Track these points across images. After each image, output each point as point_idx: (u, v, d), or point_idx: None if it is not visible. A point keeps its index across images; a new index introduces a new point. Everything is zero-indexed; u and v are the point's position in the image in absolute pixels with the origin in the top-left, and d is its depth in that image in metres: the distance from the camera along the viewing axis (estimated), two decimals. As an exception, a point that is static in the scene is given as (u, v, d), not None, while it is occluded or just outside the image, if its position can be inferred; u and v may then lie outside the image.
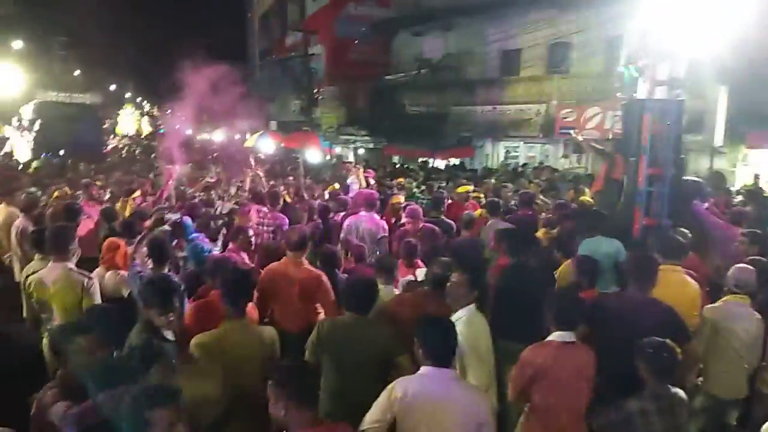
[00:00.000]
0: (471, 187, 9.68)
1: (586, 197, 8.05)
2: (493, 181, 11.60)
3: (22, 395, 3.20)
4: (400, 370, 3.52)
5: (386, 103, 22.53)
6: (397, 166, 19.38)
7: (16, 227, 6.34)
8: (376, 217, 6.65)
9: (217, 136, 44.87)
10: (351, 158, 24.23)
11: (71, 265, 4.31)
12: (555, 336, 3.53)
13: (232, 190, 9.56)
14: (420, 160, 19.71)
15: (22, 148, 17.91)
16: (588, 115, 14.85)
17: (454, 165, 18.76)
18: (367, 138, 23.10)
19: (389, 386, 3.10)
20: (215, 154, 22.56)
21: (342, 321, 3.80)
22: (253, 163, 10.46)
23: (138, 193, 8.35)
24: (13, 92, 28.07)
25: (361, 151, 24.44)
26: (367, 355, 3.62)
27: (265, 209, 6.79)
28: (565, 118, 15.60)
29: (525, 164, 16.60)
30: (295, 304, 4.31)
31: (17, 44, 36.95)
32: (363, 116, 23.70)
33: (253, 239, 6.52)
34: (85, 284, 4.22)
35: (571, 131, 11.86)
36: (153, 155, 19.38)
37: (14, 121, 18.68)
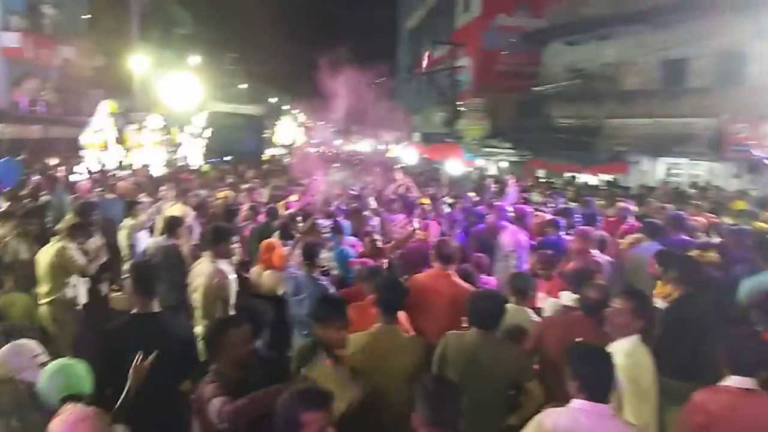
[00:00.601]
0: (626, 205, 8.98)
1: (762, 223, 7.11)
2: (652, 200, 10.68)
3: (177, 380, 3.44)
4: (530, 397, 3.30)
5: (533, 115, 21.86)
6: (541, 180, 18.66)
7: (186, 225, 6.97)
8: (518, 231, 6.40)
9: (363, 147, 46.65)
10: (493, 171, 23.82)
11: (221, 261, 4.61)
12: (734, 381, 3.08)
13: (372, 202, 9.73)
14: (567, 174, 18.81)
15: (193, 153, 19.82)
16: (766, 131, 13.24)
17: (607, 182, 17.65)
18: (510, 151, 22.57)
19: (537, 417, 2.89)
20: (359, 164, 23.30)
21: (470, 337, 3.62)
22: (400, 174, 10.58)
23: (294, 197, 8.78)
24: (189, 103, 31.33)
25: (503, 164, 23.93)
26: (493, 375, 3.42)
27: (413, 219, 6.81)
28: (738, 134, 14.04)
29: (694, 183, 15.07)
30: (441, 318, 4.22)
31: (194, 60, 41.34)
32: (507, 128, 23.20)
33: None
34: (219, 280, 4.48)
35: (746, 148, 10.60)
36: (305, 164, 20.48)
37: (188, 128, 20.72)
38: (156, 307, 3.56)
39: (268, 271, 5.31)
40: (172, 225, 6.04)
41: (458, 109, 25.43)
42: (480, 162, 25.48)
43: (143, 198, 8.33)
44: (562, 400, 3.01)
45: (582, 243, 5.43)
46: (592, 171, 17.95)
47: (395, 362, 3.48)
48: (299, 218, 6.29)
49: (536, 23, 25.27)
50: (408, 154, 24.08)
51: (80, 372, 2.47)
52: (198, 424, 2.90)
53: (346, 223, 6.32)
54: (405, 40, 44.12)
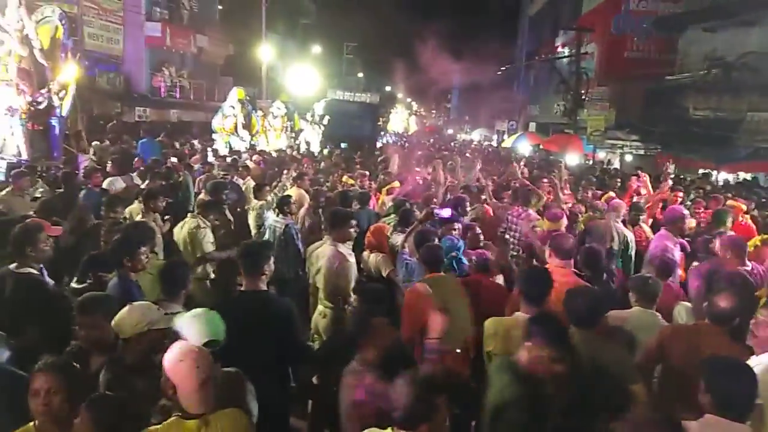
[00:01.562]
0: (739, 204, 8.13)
1: None
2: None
3: (278, 359, 3.55)
4: (635, 400, 3.08)
5: (665, 106, 20.32)
6: (672, 176, 17.32)
7: (303, 209, 7.24)
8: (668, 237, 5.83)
9: (475, 136, 46.04)
10: (617, 164, 22.51)
11: (341, 245, 4.71)
12: None
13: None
14: (700, 171, 17.35)
15: (312, 139, 20.57)
16: None
17: (745, 180, 16.06)
18: (637, 143, 21.20)
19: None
20: (472, 153, 22.93)
21: (517, 321, 3.48)
22: (516, 164, 10.27)
23: (396, 184, 8.78)
24: (310, 91, 32.56)
25: (629, 158, 22.54)
26: (594, 376, 3.19)
27: (529, 211, 6.57)
28: None
29: None
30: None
31: (316, 49, 42.88)
32: (635, 119, 21.78)
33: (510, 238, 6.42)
34: (340, 264, 4.60)
35: None
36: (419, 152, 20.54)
37: (308, 116, 21.52)
38: (263, 285, 3.72)
39: (375, 254, 5.41)
40: (283, 204, 6.36)
41: (581, 98, 24.25)
42: (602, 155, 24.18)
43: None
44: (685, 412, 2.78)
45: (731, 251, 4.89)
46: (729, 169, 16.41)
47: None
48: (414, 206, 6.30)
49: (671, 7, 23.50)
50: (522, 144, 23.40)
51: (217, 320, 2.66)
52: (349, 414, 2.96)
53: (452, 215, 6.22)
54: (525, 27, 42.72)
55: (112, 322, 2.92)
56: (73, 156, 10.03)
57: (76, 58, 10.52)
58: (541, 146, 25.06)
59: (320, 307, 4.70)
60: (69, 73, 10.01)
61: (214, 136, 16.37)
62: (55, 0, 16.79)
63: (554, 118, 28.34)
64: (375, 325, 3.04)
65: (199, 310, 2.68)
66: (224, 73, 30.94)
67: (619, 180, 11.54)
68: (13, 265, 3.72)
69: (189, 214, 5.92)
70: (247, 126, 16.72)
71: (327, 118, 22.05)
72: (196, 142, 16.06)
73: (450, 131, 62.36)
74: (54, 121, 10.01)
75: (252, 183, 8.88)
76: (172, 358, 2.34)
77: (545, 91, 32.54)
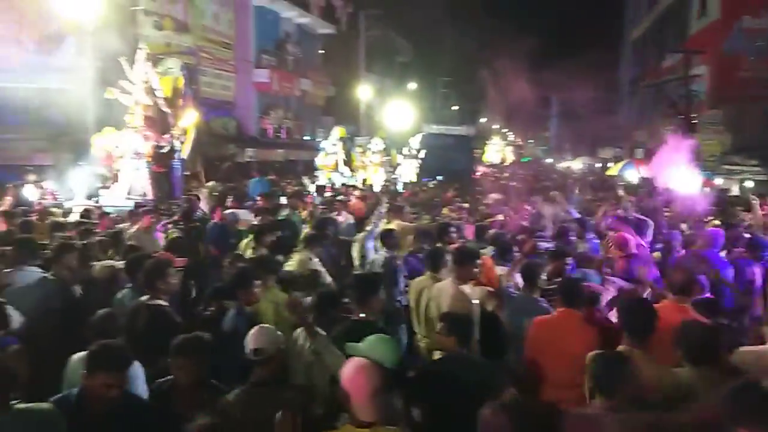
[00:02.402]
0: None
1: None
2: None
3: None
4: None
5: (788, 128, 18.75)
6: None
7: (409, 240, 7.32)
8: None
9: (577, 164, 44.57)
10: (736, 191, 20.90)
11: (465, 285, 4.65)
12: None
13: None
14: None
15: (408, 173, 20.93)
16: None
17: None
18: (757, 169, 19.61)
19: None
20: (573, 182, 22.20)
21: (684, 374, 3.24)
22: (621, 192, 9.87)
23: (500, 216, 8.69)
24: (406, 126, 33.20)
25: (749, 184, 20.86)
26: None
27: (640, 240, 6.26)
28: None
29: None
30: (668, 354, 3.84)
31: (411, 86, 43.79)
32: (753, 143, 20.21)
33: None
34: (463, 305, 4.49)
35: None
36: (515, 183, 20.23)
37: (405, 150, 21.96)
38: (377, 315, 3.82)
39: (480, 288, 5.34)
40: (385, 237, 6.52)
41: (692, 122, 22.90)
42: (719, 181, 22.56)
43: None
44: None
45: None
46: None
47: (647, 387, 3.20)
48: (517, 238, 6.22)
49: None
50: (630, 171, 22.37)
51: (396, 347, 2.97)
52: None
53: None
54: (628, 51, 41.25)
55: (253, 343, 3.17)
56: (193, 195, 10.85)
57: (195, 105, 11.51)
58: (649, 173, 23.82)
59: (421, 343, 4.71)
60: (189, 119, 10.94)
61: (317, 173, 17.10)
62: (175, 52, 18.52)
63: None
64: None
65: (384, 336, 2.98)
66: (325, 113, 32.30)
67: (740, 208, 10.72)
68: (145, 298, 4.10)
69: (295, 250, 6.21)
70: (348, 162, 17.35)
71: (423, 151, 22.37)
72: (306, 178, 16.85)
73: (549, 160, 60.83)
74: (176, 164, 10.95)
75: (350, 218, 9.19)
76: (349, 370, 2.61)
77: (652, 117, 31.05)
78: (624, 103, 40.35)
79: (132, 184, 10.73)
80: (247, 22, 25.49)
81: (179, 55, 18.92)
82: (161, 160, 10.77)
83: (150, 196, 10.48)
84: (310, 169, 18.31)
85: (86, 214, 8.52)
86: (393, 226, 7.64)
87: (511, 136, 73.86)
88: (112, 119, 12.65)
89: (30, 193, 10.27)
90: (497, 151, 56.21)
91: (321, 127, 29.94)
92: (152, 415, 3.01)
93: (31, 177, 11.52)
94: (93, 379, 2.79)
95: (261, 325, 3.39)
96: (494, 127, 69.27)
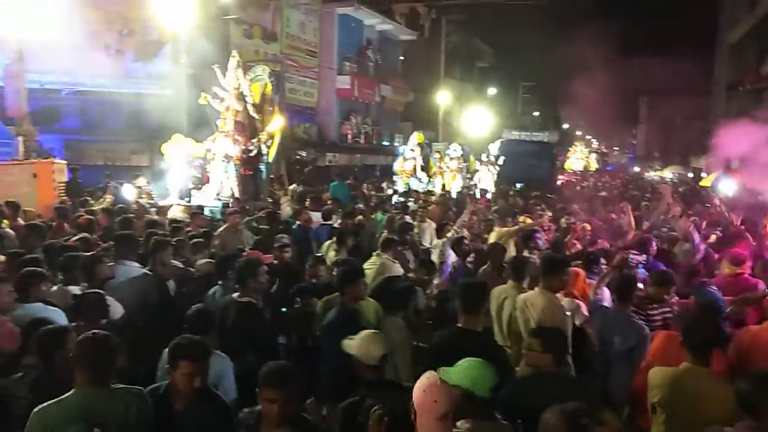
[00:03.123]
0: None
1: None
2: None
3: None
4: None
5: None
6: None
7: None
8: None
9: (667, 174, 42.37)
10: None
11: (555, 295, 4.49)
12: None
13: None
14: None
15: (487, 180, 20.62)
16: None
17: None
18: None
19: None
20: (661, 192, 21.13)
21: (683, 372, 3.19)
22: (718, 204, 9.30)
23: (587, 226, 8.40)
24: (485, 131, 32.81)
25: None
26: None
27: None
28: None
29: None
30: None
31: (491, 91, 43.25)
32: None
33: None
34: (553, 317, 4.29)
35: None
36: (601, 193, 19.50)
37: (483, 156, 21.67)
38: (480, 326, 3.78)
39: (569, 300, 5.16)
40: (456, 244, 6.60)
41: (795, 130, 21.23)
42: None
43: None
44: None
45: None
46: None
47: (702, 409, 3.13)
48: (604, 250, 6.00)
49: None
50: (725, 183, 21.01)
51: (487, 376, 2.79)
52: None
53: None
54: (724, 55, 38.84)
55: (379, 350, 3.19)
56: (278, 198, 11.20)
57: (281, 111, 11.90)
58: (748, 186, 22.29)
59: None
60: (275, 124, 11.34)
61: (395, 178, 17.20)
62: (262, 60, 19.23)
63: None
64: None
65: (479, 362, 2.83)
66: (404, 119, 32.49)
67: None
68: (235, 295, 4.27)
69: (374, 253, 6.25)
70: (425, 168, 17.34)
71: (502, 158, 22.00)
72: (384, 185, 17.03)
73: (636, 169, 58.26)
74: (262, 167, 11.38)
75: (429, 223, 9.18)
76: (419, 386, 2.49)
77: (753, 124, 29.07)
78: (720, 109, 38.00)
79: (221, 186, 11.22)
80: (331, 30, 26.13)
81: (266, 62, 19.67)
82: (248, 164, 11.22)
83: (237, 196, 10.91)
84: (388, 174, 18.45)
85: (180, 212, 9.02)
86: (494, 232, 7.61)
87: (595, 143, 71.42)
88: (203, 123, 13.34)
89: (128, 192, 10.95)
90: (580, 158, 54.35)
91: (399, 133, 30.15)
92: (230, 413, 3.09)
93: (130, 177, 12.30)
94: (176, 369, 2.92)
95: (371, 332, 3.40)
96: (577, 133, 67.22)
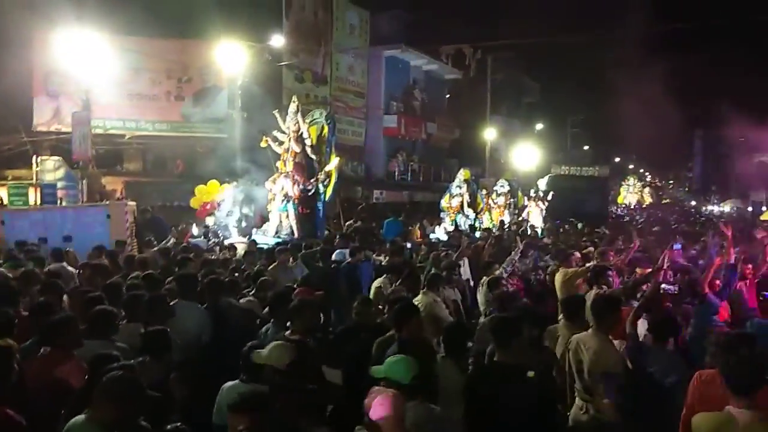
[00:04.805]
0: None
1: None
2: None
3: None
4: None
5: None
6: None
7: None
8: None
9: (725, 208, 40.86)
10: None
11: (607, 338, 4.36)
12: None
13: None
14: None
15: (535, 216, 20.42)
16: None
17: None
18: None
19: None
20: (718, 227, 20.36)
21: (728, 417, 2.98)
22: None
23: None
24: (533, 167, 32.60)
25: None
26: None
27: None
28: None
29: None
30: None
31: (539, 126, 43.06)
32: None
33: None
34: (605, 360, 4.17)
35: None
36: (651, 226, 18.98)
37: (531, 192, 21.51)
38: (516, 358, 3.78)
39: (617, 341, 5.02)
40: (492, 284, 6.48)
41: None
42: None
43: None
44: None
45: None
46: None
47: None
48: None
49: None
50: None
51: (408, 367, 3.20)
52: None
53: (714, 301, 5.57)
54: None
55: (270, 360, 3.42)
56: (332, 235, 11.42)
57: (337, 152, 12.30)
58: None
59: (579, 402, 4.31)
60: (332, 164, 11.73)
61: (441, 214, 17.26)
62: (312, 103, 19.88)
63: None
64: None
65: (402, 356, 3.34)
66: (450, 155, 32.69)
67: None
68: (287, 333, 4.40)
69: (421, 292, 6.29)
70: (472, 204, 17.33)
71: (551, 193, 21.78)
72: (425, 221, 17.10)
73: (693, 203, 56.41)
74: (319, 206, 11.74)
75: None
76: (378, 402, 2.81)
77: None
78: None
79: (280, 224, 11.66)
80: (379, 72, 26.86)
81: (317, 104, 20.34)
82: (307, 203, 11.63)
83: (296, 234, 11.27)
84: (434, 211, 18.52)
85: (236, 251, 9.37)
86: (559, 273, 7.46)
87: (649, 176, 69.75)
88: (257, 165, 13.87)
89: (196, 232, 11.55)
90: (634, 192, 53.09)
91: (446, 169, 30.32)
92: None
93: (190, 217, 12.88)
94: (234, 419, 2.82)
95: (279, 342, 3.70)
96: (630, 166, 65.92)
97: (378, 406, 2.81)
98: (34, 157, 16.09)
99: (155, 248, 9.27)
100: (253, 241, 10.77)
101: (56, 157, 16.44)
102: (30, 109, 18.15)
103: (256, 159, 14.15)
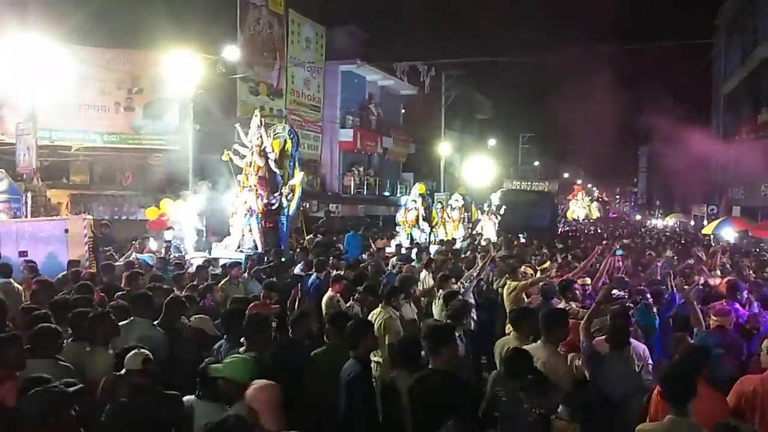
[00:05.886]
0: None
1: None
2: None
3: None
4: None
5: None
6: None
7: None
8: None
9: (669, 222, 42.56)
10: None
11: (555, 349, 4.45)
12: None
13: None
14: None
15: (488, 229, 20.76)
16: None
17: None
18: None
19: None
20: (663, 240, 21.25)
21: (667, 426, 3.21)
22: (719, 252, 9.40)
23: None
24: (486, 181, 33.19)
25: None
26: None
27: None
28: None
29: None
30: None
31: (492, 142, 43.98)
32: None
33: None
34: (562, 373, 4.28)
35: None
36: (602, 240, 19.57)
37: (485, 206, 21.88)
38: (448, 365, 3.93)
39: (573, 355, 5.14)
40: (448, 299, 6.54)
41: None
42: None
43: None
44: None
45: None
46: None
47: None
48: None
49: None
50: (727, 230, 21.11)
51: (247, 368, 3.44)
52: None
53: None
54: (720, 105, 39.64)
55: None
56: (291, 250, 11.33)
57: (300, 166, 12.24)
58: (750, 233, 22.39)
59: None
60: (297, 179, 11.68)
61: (397, 228, 17.36)
62: (267, 116, 19.73)
63: (763, 201, 25.33)
64: None
65: (242, 357, 3.64)
66: (405, 170, 32.97)
67: None
68: (241, 349, 4.32)
69: (380, 305, 6.29)
70: (428, 218, 17.49)
71: (503, 208, 22.20)
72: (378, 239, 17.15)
73: (638, 217, 58.49)
74: (283, 219, 11.68)
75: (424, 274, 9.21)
76: (255, 391, 3.12)
77: (751, 174, 29.43)
78: (718, 158, 38.51)
79: (243, 238, 11.53)
80: (334, 86, 26.94)
81: (271, 117, 20.17)
82: (270, 216, 11.55)
83: (260, 248, 11.15)
84: (390, 225, 18.63)
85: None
86: (507, 286, 7.60)
87: (596, 192, 72.01)
88: (209, 178, 13.65)
89: (154, 246, 11.27)
90: (582, 206, 54.66)
91: (402, 183, 30.54)
92: None
93: (138, 231, 12.55)
94: None
95: (136, 349, 3.81)
96: (578, 182, 67.96)
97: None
98: (-25, 169, 15.38)
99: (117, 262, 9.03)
100: (206, 257, 10.58)
101: (-1, 169, 15.79)
102: (-30, 119, 17.38)
103: (208, 172, 13.94)
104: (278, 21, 23.70)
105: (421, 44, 31.00)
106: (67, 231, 10.24)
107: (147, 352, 3.76)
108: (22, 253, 9.47)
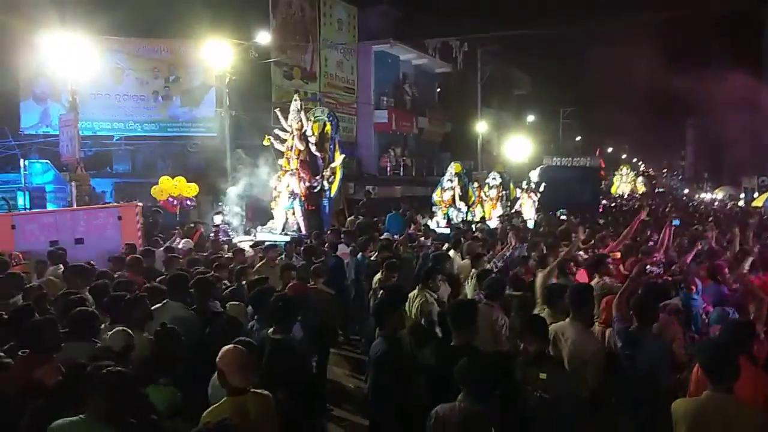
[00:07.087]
0: None
1: None
2: None
3: None
4: None
5: None
6: None
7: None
8: None
9: (718, 195, 41.00)
10: None
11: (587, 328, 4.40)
12: None
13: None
14: None
15: (527, 207, 20.38)
16: None
17: None
18: None
19: None
20: (711, 215, 20.39)
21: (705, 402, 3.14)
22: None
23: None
24: (524, 158, 32.60)
25: None
26: None
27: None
28: None
29: None
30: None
31: (530, 118, 43.04)
32: None
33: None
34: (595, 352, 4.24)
35: None
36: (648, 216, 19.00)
37: (524, 183, 21.46)
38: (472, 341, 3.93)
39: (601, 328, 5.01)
40: (482, 277, 6.43)
41: None
42: None
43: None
44: None
45: None
46: None
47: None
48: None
49: None
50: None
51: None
52: None
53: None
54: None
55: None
56: (337, 230, 11.37)
57: (340, 149, 12.28)
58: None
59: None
60: (338, 161, 11.76)
61: (434, 208, 17.22)
62: (302, 99, 19.79)
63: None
64: None
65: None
66: (442, 150, 32.65)
67: None
68: (270, 330, 4.36)
69: (417, 288, 6.22)
70: (464, 198, 17.29)
71: (543, 185, 21.76)
72: (419, 216, 17.05)
73: (686, 191, 56.56)
74: (325, 202, 11.86)
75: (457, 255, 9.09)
76: (224, 354, 3.34)
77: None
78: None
79: (286, 221, 11.73)
80: (368, 67, 26.76)
81: (306, 101, 20.21)
82: (312, 199, 11.71)
83: (303, 231, 11.34)
84: (427, 205, 18.48)
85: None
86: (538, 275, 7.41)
87: (642, 166, 69.85)
88: (246, 162, 13.82)
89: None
90: (627, 182, 53.12)
91: (438, 163, 30.27)
92: None
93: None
94: None
95: (118, 329, 4.04)
96: (623, 156, 65.94)
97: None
98: (22, 160, 15.98)
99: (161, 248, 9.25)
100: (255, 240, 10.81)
101: (44, 161, 16.36)
102: (17, 112, 18.04)
103: (246, 157, 14.10)
104: (310, 4, 23.63)
105: (454, 20, 30.40)
106: (120, 218, 10.51)
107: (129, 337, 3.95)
108: (78, 241, 9.78)
